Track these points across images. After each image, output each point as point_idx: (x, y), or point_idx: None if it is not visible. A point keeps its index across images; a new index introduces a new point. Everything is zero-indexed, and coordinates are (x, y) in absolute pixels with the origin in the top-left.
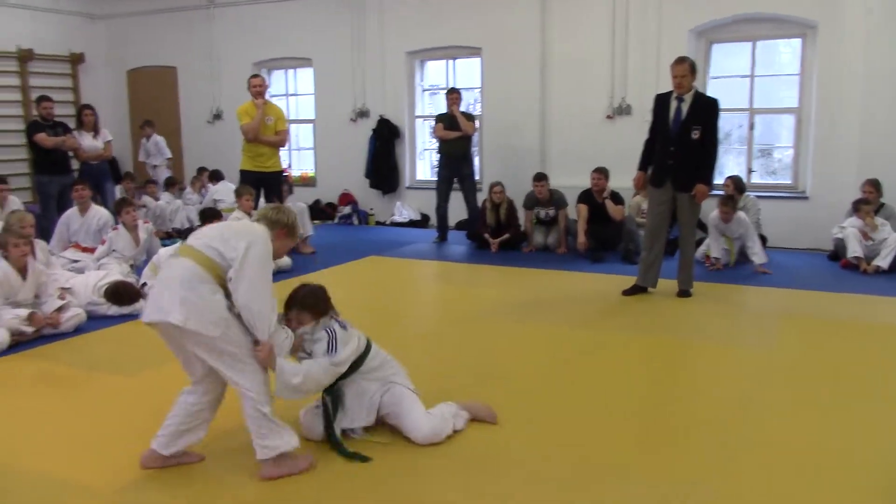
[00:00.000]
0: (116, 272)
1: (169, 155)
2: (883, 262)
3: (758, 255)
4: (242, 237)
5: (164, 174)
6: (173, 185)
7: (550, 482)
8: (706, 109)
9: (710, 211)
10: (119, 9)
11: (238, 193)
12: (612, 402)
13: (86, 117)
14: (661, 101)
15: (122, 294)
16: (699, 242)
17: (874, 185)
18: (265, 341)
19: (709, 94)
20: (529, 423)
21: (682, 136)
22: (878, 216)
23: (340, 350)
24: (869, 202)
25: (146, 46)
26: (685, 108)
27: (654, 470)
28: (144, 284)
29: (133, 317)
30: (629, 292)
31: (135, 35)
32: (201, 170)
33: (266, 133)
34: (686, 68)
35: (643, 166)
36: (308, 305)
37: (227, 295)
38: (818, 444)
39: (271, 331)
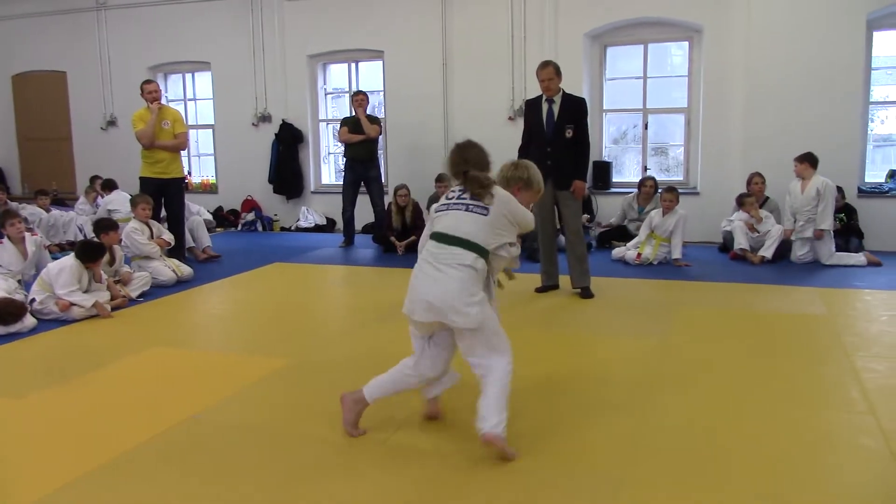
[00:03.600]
0: (2, 288)
1: None
2: (767, 252)
3: (678, 250)
4: None
5: None
6: None
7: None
8: (576, 108)
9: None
10: (1, 11)
11: (133, 203)
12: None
13: None
14: (532, 105)
15: (5, 312)
16: (607, 242)
17: (762, 178)
18: None
19: (605, 95)
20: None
21: (557, 136)
22: (763, 209)
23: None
24: (752, 195)
25: (32, 50)
26: (556, 108)
27: (559, 453)
28: (33, 300)
29: (19, 335)
30: (541, 290)
31: (19, 38)
32: (94, 178)
33: (163, 138)
34: (551, 71)
35: None
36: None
37: None
38: (710, 427)
39: None
